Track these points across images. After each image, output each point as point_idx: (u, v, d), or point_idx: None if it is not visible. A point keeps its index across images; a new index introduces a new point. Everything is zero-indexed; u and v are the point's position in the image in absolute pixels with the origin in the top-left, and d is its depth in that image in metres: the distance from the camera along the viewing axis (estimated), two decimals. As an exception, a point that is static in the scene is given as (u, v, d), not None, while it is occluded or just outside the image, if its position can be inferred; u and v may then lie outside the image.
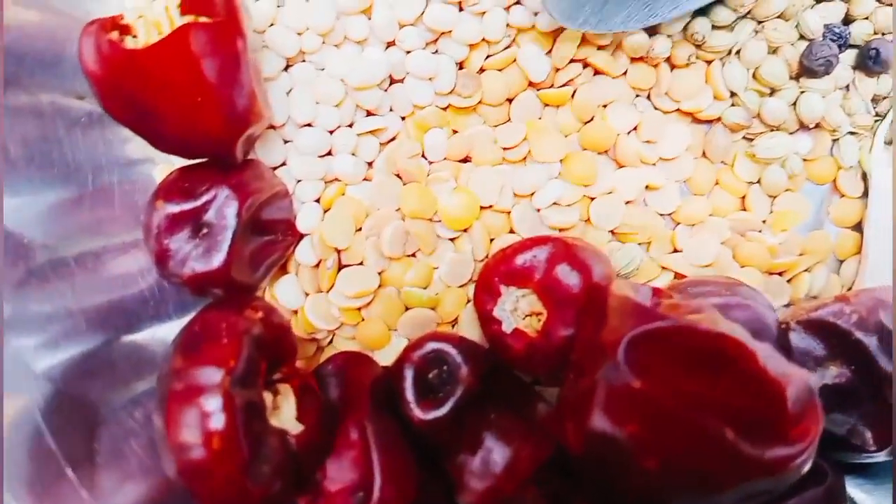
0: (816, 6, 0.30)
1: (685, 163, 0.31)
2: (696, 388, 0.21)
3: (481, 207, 0.29)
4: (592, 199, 0.30)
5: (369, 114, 0.30)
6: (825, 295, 0.31)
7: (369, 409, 0.26)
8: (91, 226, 0.27)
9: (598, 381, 0.22)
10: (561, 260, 0.26)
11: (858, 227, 0.32)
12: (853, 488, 0.28)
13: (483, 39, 0.29)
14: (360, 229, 0.29)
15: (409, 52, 0.29)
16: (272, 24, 0.28)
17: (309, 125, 0.29)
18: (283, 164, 0.29)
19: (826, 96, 0.30)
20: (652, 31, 0.30)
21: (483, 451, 0.26)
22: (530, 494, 0.25)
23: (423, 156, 0.30)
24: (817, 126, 0.31)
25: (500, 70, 0.30)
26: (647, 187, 0.30)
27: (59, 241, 0.26)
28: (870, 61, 0.30)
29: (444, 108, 0.30)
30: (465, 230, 0.30)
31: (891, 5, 0.30)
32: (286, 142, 0.29)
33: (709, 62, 0.30)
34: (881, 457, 0.26)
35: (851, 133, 0.31)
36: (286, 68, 0.29)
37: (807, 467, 0.21)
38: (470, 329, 0.29)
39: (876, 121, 0.31)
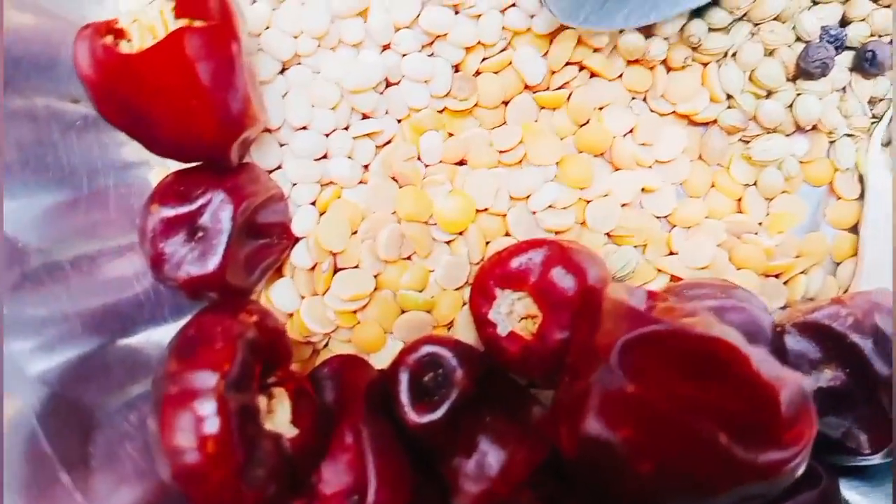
0: (813, 8, 0.30)
1: (681, 165, 0.31)
2: (690, 391, 0.21)
3: (477, 210, 0.30)
4: (588, 201, 0.30)
5: (365, 117, 0.30)
6: (822, 297, 0.31)
7: (364, 412, 0.26)
8: (86, 229, 0.27)
9: (592, 384, 0.22)
10: (556, 263, 0.26)
11: (855, 229, 0.32)
12: (849, 491, 0.28)
13: (479, 42, 0.29)
14: (355, 232, 0.29)
15: (404, 55, 0.29)
16: (267, 28, 0.28)
17: (304, 128, 0.29)
18: (279, 167, 0.29)
19: (822, 98, 0.30)
20: (648, 33, 0.30)
21: (478, 454, 0.26)
22: (525, 498, 0.25)
23: (418, 159, 0.30)
24: (814, 128, 0.31)
25: (495, 73, 0.30)
26: (643, 190, 0.30)
27: (55, 245, 0.26)
28: (866, 63, 0.30)
29: (440, 111, 0.30)
30: (460, 233, 0.30)
31: (888, 7, 0.30)
32: (282, 145, 0.29)
33: (705, 64, 0.30)
34: (876, 460, 0.26)
35: (848, 135, 0.31)
36: (282, 71, 0.29)
37: (800, 471, 0.21)
38: (465, 332, 0.29)
39: (872, 123, 0.31)
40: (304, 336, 0.29)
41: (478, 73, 0.30)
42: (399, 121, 0.30)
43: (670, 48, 0.30)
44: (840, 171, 0.31)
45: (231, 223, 0.25)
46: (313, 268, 0.29)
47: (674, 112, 0.31)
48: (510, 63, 0.30)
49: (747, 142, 0.31)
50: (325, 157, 0.29)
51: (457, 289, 0.30)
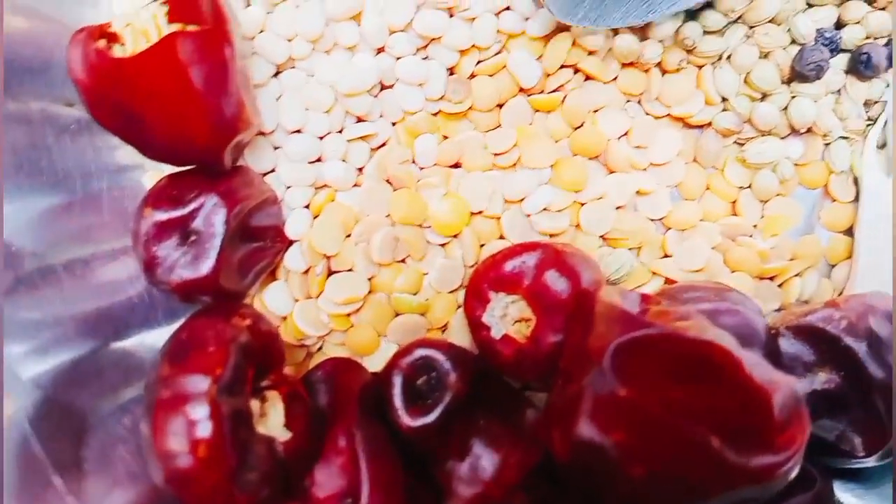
0: (808, 11, 0.30)
1: (676, 168, 0.31)
2: (683, 395, 0.20)
3: (471, 213, 0.30)
4: (583, 204, 0.30)
5: (359, 120, 0.30)
6: (817, 299, 0.31)
7: (358, 415, 0.26)
8: (80, 233, 0.27)
9: (584, 387, 0.22)
10: (549, 266, 0.26)
11: (850, 232, 0.32)
12: (844, 493, 0.28)
13: (473, 45, 0.29)
14: (349, 235, 0.29)
15: (399, 59, 0.29)
16: (262, 31, 0.28)
17: (298, 131, 0.29)
18: (273, 170, 0.29)
19: (817, 101, 0.30)
20: (642, 35, 0.30)
21: (471, 457, 0.26)
22: (518, 501, 0.25)
23: (413, 161, 0.30)
24: (809, 131, 0.31)
25: (490, 76, 0.30)
26: (637, 192, 0.30)
27: (48, 249, 0.26)
28: (861, 66, 0.30)
29: (435, 114, 0.30)
30: (455, 236, 0.30)
31: (883, 9, 0.30)
32: (276, 148, 0.29)
33: (700, 67, 0.30)
34: (870, 462, 0.26)
35: (843, 137, 0.31)
36: (276, 75, 0.29)
37: (793, 475, 0.21)
38: (460, 335, 0.29)
39: (868, 125, 0.31)
40: (297, 339, 0.29)
41: (472, 76, 0.30)
42: (393, 124, 0.30)
43: (665, 51, 0.30)
44: (835, 174, 0.31)
45: (224, 227, 0.25)
46: (307, 271, 0.29)
47: (668, 115, 0.31)
48: (505, 66, 0.30)
49: (742, 144, 0.31)
50: (319, 160, 0.29)
51: (451, 292, 0.30)
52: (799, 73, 0.30)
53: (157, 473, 0.22)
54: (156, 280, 0.25)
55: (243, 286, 0.27)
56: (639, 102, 0.31)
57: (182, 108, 0.23)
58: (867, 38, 0.30)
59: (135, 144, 0.25)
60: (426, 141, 0.30)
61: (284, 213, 0.29)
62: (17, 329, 0.25)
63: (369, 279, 0.29)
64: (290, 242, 0.29)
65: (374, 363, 0.29)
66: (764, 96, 0.30)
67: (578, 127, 0.30)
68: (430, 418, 0.25)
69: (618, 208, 0.30)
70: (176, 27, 0.23)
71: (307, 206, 0.29)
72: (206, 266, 0.25)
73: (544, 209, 0.29)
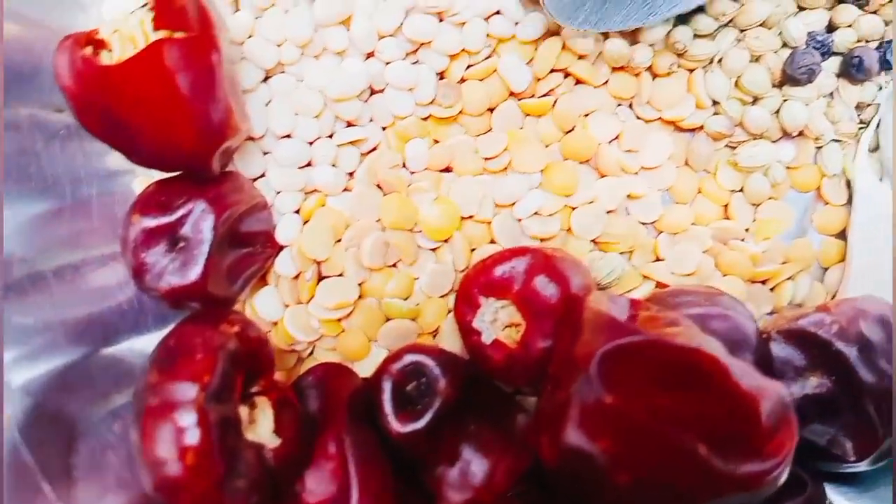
0: (799, 14, 0.30)
1: (667, 171, 0.31)
2: (670, 402, 0.20)
3: (462, 218, 0.29)
4: (574, 208, 0.30)
5: (349, 124, 0.30)
6: (809, 303, 0.31)
7: (347, 421, 0.26)
8: (70, 239, 0.27)
9: (572, 394, 0.22)
10: (539, 271, 0.26)
11: (842, 235, 0.32)
12: (837, 496, 0.28)
13: (463, 49, 0.29)
14: (339, 240, 0.29)
15: (388, 63, 0.29)
16: (250, 36, 0.28)
17: (288, 136, 0.29)
18: (263, 175, 0.29)
19: (809, 104, 0.30)
20: (633, 39, 0.30)
21: (461, 462, 0.26)
22: (508, 507, 0.25)
23: (403, 166, 0.30)
24: (801, 134, 0.31)
25: (480, 80, 0.30)
26: (628, 196, 0.30)
27: (38, 255, 0.26)
28: (853, 69, 0.30)
29: (425, 119, 0.30)
30: (445, 241, 0.30)
31: (874, 13, 0.30)
32: (265, 153, 0.29)
33: (691, 71, 0.30)
34: (862, 467, 0.26)
35: (835, 141, 0.31)
36: (265, 80, 0.29)
37: (781, 481, 0.21)
38: (450, 339, 0.29)
39: (860, 128, 0.31)
40: (288, 344, 0.29)
41: (462, 80, 0.30)
42: (384, 128, 0.30)
43: (656, 55, 0.30)
44: (827, 177, 0.31)
45: (212, 233, 0.25)
46: (297, 276, 0.29)
47: (660, 118, 0.31)
48: (495, 70, 0.29)
49: (734, 148, 0.31)
50: (308, 165, 0.29)
51: (442, 296, 0.30)
52: (790, 77, 0.30)
53: (147, 481, 0.22)
54: (145, 287, 0.25)
55: (233, 292, 0.27)
56: (630, 106, 0.31)
57: (169, 115, 0.23)
58: (859, 41, 0.30)
59: (122, 151, 0.25)
60: (417, 145, 0.29)
61: (274, 218, 0.29)
62: (7, 335, 0.25)
63: (360, 284, 0.29)
64: (281, 248, 0.29)
65: (365, 368, 0.29)
66: (755, 100, 0.30)
67: (569, 131, 0.30)
68: (420, 424, 0.25)
69: (609, 212, 0.30)
70: (162, 34, 0.23)
71: (297, 212, 0.29)
72: (194, 273, 0.25)
73: (535, 213, 0.29)
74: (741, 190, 0.31)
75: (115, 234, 0.27)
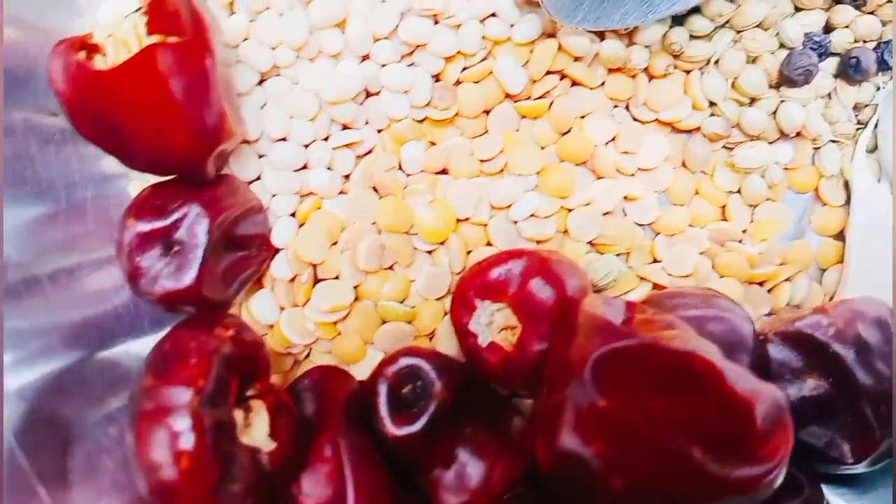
0: (796, 15, 0.30)
1: (664, 173, 0.31)
2: (664, 406, 0.20)
3: (458, 220, 0.29)
4: (570, 210, 0.30)
5: (345, 127, 0.29)
6: (808, 304, 0.31)
7: (343, 424, 0.25)
8: (65, 242, 0.27)
9: (567, 398, 0.22)
10: (535, 274, 0.26)
11: (841, 236, 0.31)
12: (836, 498, 0.28)
13: (459, 52, 0.29)
14: (335, 243, 0.29)
15: (384, 66, 0.29)
16: (245, 39, 0.28)
17: (283, 139, 0.29)
18: (258, 178, 0.29)
19: (806, 105, 0.30)
20: (629, 41, 0.30)
21: (457, 465, 0.26)
22: (504, 510, 0.25)
23: (399, 168, 0.30)
24: (798, 135, 0.30)
25: (476, 82, 0.30)
26: (625, 198, 0.30)
27: (33, 259, 0.26)
28: (851, 70, 0.30)
29: (421, 121, 0.30)
30: (441, 243, 0.29)
31: (871, 13, 0.30)
32: (261, 156, 0.29)
33: (687, 72, 0.30)
34: (859, 469, 0.26)
35: (833, 141, 0.31)
36: (260, 83, 0.29)
37: (776, 485, 0.21)
38: (447, 342, 0.29)
39: (858, 129, 0.31)
40: (284, 347, 0.29)
41: (458, 82, 0.30)
42: (379, 131, 0.30)
43: (652, 56, 0.30)
44: (825, 178, 0.31)
45: (206, 237, 0.25)
46: (293, 279, 0.29)
47: (656, 120, 0.30)
48: (490, 72, 0.29)
49: (731, 149, 0.31)
50: (304, 168, 0.29)
51: (438, 299, 0.30)
52: (787, 78, 0.30)
53: (142, 485, 0.22)
54: (140, 291, 0.25)
55: (228, 295, 0.27)
56: (626, 108, 0.31)
57: (163, 119, 0.23)
58: (856, 41, 0.30)
59: (116, 155, 0.25)
60: (412, 148, 0.29)
61: (270, 221, 0.29)
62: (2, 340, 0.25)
63: (356, 287, 0.29)
64: (276, 251, 0.29)
65: (362, 371, 0.29)
66: (752, 101, 0.30)
67: (565, 133, 0.30)
68: (416, 427, 0.25)
69: (605, 214, 0.30)
70: (156, 38, 0.23)
71: (293, 215, 0.29)
72: (188, 276, 0.25)
73: (531, 215, 0.29)
74: (738, 191, 0.31)
75: (110, 237, 0.27)
